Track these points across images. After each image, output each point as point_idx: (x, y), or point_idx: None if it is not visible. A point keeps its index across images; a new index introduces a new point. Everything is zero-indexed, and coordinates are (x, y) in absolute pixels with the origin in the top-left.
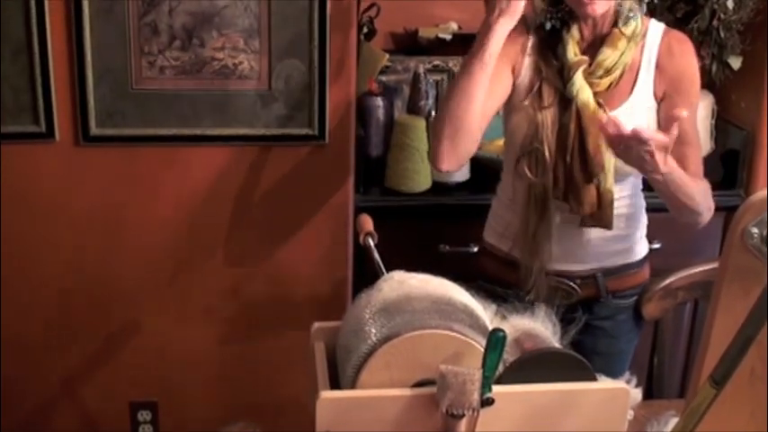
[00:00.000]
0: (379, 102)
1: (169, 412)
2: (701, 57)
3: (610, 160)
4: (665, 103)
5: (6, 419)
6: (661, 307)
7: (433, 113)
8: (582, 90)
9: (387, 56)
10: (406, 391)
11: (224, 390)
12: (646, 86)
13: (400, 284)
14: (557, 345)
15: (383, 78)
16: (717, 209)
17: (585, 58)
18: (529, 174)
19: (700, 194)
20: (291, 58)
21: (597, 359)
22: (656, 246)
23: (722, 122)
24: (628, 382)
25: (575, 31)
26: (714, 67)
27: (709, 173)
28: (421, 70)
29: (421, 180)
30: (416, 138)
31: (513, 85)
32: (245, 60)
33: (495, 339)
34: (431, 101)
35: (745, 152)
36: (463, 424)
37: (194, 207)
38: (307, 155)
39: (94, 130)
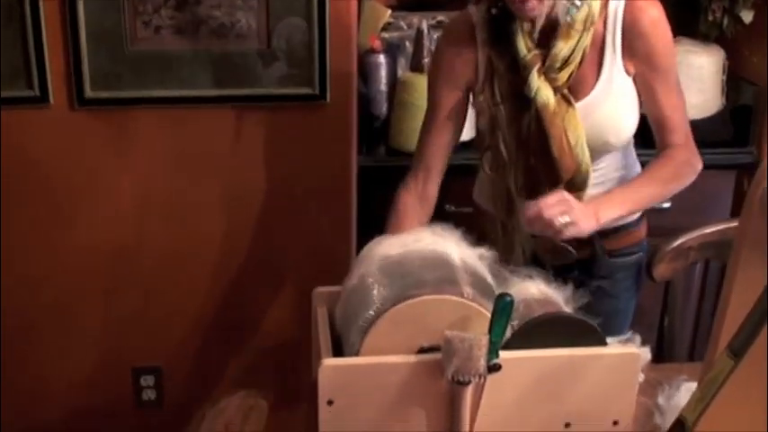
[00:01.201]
0: (382, 59)
1: (172, 378)
2: (712, 10)
3: (583, 155)
4: (640, 78)
5: (7, 385)
6: (672, 268)
7: None
8: (540, 91)
9: (389, 12)
10: (411, 358)
11: (228, 356)
12: (614, 66)
13: (404, 244)
14: (566, 309)
15: (386, 35)
16: (728, 167)
17: (538, 54)
18: (488, 171)
19: (673, 186)
20: (291, 15)
21: (596, 320)
22: (666, 205)
23: (733, 78)
24: (630, 340)
25: (524, 22)
26: (725, 21)
27: (719, 130)
28: (424, 26)
29: None
30: (420, 96)
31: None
32: (243, 18)
33: (503, 304)
34: None
35: (757, 108)
36: (469, 391)
37: (193, 169)
38: (308, 115)
39: (89, 92)
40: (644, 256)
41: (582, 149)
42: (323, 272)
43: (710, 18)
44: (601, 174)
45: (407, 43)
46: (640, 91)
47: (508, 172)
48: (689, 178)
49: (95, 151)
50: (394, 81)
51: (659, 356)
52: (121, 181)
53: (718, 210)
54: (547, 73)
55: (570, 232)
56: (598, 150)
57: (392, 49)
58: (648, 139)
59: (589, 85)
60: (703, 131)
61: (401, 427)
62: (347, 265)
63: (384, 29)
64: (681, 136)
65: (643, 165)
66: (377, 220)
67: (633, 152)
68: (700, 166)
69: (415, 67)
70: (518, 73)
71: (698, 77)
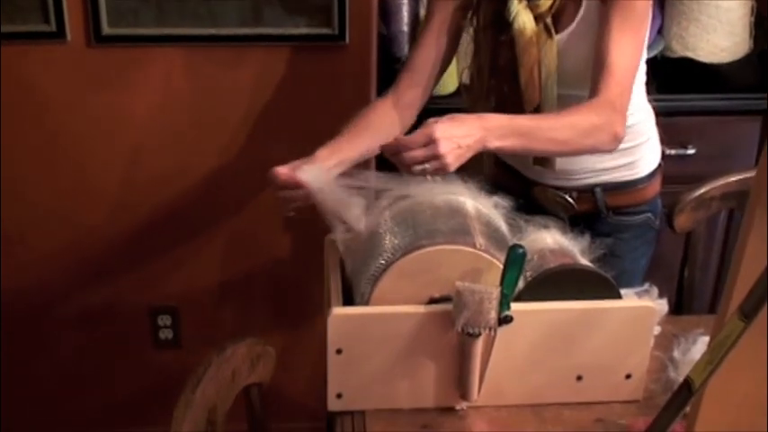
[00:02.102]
0: None
1: (189, 317)
2: None
3: (551, 92)
4: (603, 9)
5: (22, 326)
6: (693, 218)
7: None
8: (519, 15)
9: None
10: (421, 308)
11: (244, 297)
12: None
13: (417, 190)
14: (581, 260)
15: None
16: (754, 112)
17: None
18: (465, 95)
19: (586, 143)
20: None
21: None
22: (691, 151)
23: (762, 19)
24: (647, 292)
25: None
26: None
27: (746, 75)
28: None
29: (448, 81)
30: None
31: None
32: None
33: (515, 256)
34: None
35: None
36: (480, 342)
37: (207, 108)
38: (326, 56)
39: (106, 29)
40: (653, 216)
41: (551, 85)
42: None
43: None
44: None
45: None
46: (598, 21)
47: (478, 101)
48: (605, 145)
49: (112, 89)
50: (416, 21)
51: (678, 308)
52: (137, 119)
53: (743, 156)
54: None
55: (435, 174)
56: (574, 88)
57: None
58: (667, 82)
59: (569, 18)
60: (730, 76)
61: (410, 377)
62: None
63: None
64: (615, 89)
65: (663, 114)
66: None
67: (641, 97)
68: (621, 133)
69: None
70: None
71: (726, 20)
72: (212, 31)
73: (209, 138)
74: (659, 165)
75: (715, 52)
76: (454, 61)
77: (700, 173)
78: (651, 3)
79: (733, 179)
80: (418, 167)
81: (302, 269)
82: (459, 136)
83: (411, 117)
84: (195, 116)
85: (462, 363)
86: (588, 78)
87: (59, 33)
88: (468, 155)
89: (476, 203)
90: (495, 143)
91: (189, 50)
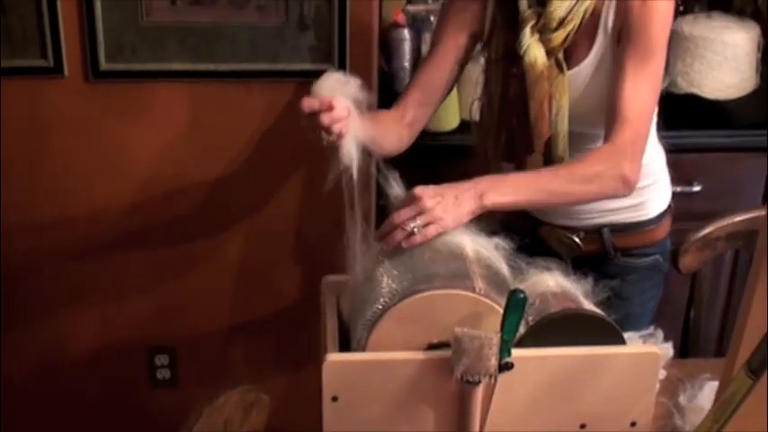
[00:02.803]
0: (406, 34)
1: (187, 357)
2: None
3: (561, 127)
4: (618, 51)
5: (21, 363)
6: (699, 258)
7: None
8: (530, 49)
9: None
10: (419, 355)
11: (242, 337)
12: (607, 39)
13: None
14: (585, 303)
15: (410, 8)
16: (761, 149)
17: (535, 11)
18: (474, 128)
19: (591, 190)
20: None
21: (606, 313)
22: (697, 188)
23: None
24: (652, 335)
25: None
26: None
27: (753, 111)
28: None
29: (449, 118)
30: None
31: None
32: None
33: (516, 301)
34: None
35: None
36: (480, 390)
37: (208, 145)
38: None
39: (104, 65)
40: (662, 259)
41: (562, 120)
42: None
43: None
44: None
45: (432, 18)
46: (612, 67)
47: (488, 135)
48: (613, 191)
49: (109, 125)
50: (418, 57)
51: (684, 350)
52: (135, 155)
53: (749, 194)
54: (542, 32)
55: (431, 233)
56: (589, 126)
57: (417, 24)
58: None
59: (582, 54)
60: (736, 112)
61: (408, 426)
62: None
63: (409, 1)
64: (629, 135)
65: (669, 151)
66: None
67: (653, 144)
68: (631, 178)
69: None
70: (515, 31)
71: (733, 56)
72: (212, 66)
73: (210, 174)
74: (669, 206)
75: (721, 89)
76: (456, 97)
77: (705, 210)
78: (666, 46)
79: (739, 219)
80: (410, 225)
81: (303, 310)
82: (445, 190)
83: (411, 137)
84: (196, 152)
85: (462, 411)
86: (600, 116)
87: (57, 69)
88: (465, 210)
89: (476, 246)
90: (492, 198)
91: (188, 86)
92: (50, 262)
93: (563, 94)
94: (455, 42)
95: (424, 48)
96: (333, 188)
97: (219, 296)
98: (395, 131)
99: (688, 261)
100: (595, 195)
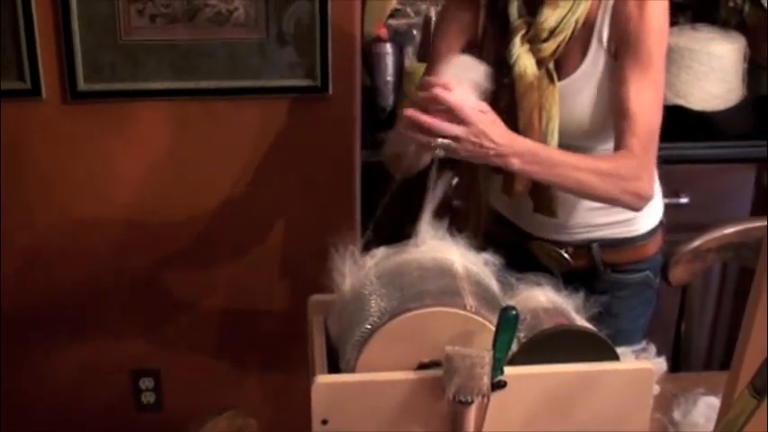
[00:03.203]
0: (388, 48)
1: (172, 380)
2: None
3: (551, 139)
4: (618, 63)
5: (4, 389)
6: (690, 271)
7: None
8: (520, 59)
9: None
10: (410, 375)
11: (228, 357)
12: (601, 49)
13: (402, 251)
14: (576, 318)
15: (392, 22)
16: (748, 160)
17: (526, 21)
18: None
19: (608, 187)
20: (291, 2)
21: (597, 329)
22: (684, 200)
23: (755, 67)
24: (644, 350)
25: None
26: (746, 8)
27: (740, 122)
28: (433, 14)
29: None
30: None
31: None
32: (241, 6)
33: (507, 318)
34: None
35: None
36: (472, 410)
37: (190, 164)
38: (309, 108)
39: (82, 85)
40: (653, 275)
41: (552, 131)
42: (325, 272)
43: (731, 4)
44: None
45: (415, 31)
46: (613, 75)
47: None
48: (630, 195)
49: (91, 147)
50: (401, 71)
51: (675, 362)
52: (118, 177)
53: (737, 205)
54: (532, 42)
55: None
56: (577, 139)
57: (399, 38)
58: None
59: (573, 65)
60: (723, 123)
61: None
62: None
63: (391, 15)
64: (642, 144)
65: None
66: (383, 218)
67: None
68: (649, 191)
69: (424, 56)
70: (506, 39)
71: (719, 67)
72: (192, 84)
73: (195, 193)
74: (660, 222)
75: (707, 99)
76: None
77: (693, 222)
78: (665, 54)
79: (730, 230)
80: (435, 134)
81: (290, 331)
82: (488, 139)
83: None
84: (178, 171)
85: (454, 431)
86: (592, 127)
87: (35, 90)
88: (478, 160)
89: (464, 261)
90: (517, 165)
91: (169, 105)
92: (31, 284)
93: (553, 105)
94: (451, 52)
95: (407, 62)
96: (318, 208)
97: (204, 318)
98: None
99: (678, 274)
100: (612, 197)
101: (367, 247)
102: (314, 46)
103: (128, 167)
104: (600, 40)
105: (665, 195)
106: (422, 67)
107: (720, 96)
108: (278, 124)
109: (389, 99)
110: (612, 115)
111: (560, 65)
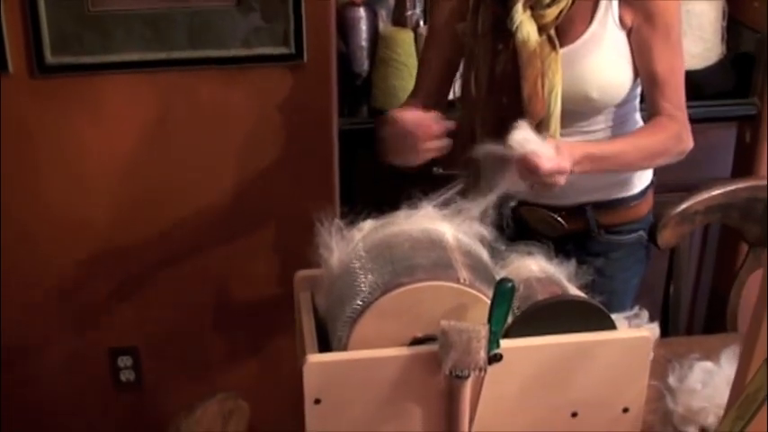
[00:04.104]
0: (362, 12)
1: (150, 357)
2: None
3: (554, 106)
4: (636, 35)
5: None
6: (677, 233)
7: (421, 25)
8: (522, 26)
9: None
10: (404, 351)
11: (207, 334)
12: (608, 15)
13: (390, 223)
14: (569, 287)
15: None
16: (729, 119)
17: None
18: (460, 106)
19: (658, 161)
20: None
21: (590, 296)
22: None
23: (734, 24)
24: (636, 316)
25: None
26: None
27: (720, 80)
28: None
29: None
30: (404, 52)
31: None
32: None
33: (503, 291)
34: (418, 10)
35: (760, 57)
36: (468, 384)
37: (163, 137)
38: (283, 76)
39: (50, 59)
40: (645, 234)
41: (555, 98)
42: (305, 242)
43: None
44: (593, 138)
45: None
46: (635, 47)
47: (475, 112)
48: (676, 157)
49: (60, 123)
50: (375, 36)
51: (663, 328)
52: (88, 152)
53: (719, 164)
54: (534, 8)
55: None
56: (581, 105)
57: (372, 2)
58: None
59: (578, 31)
60: (703, 82)
61: (395, 424)
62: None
63: None
64: (675, 104)
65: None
66: (360, 186)
67: (635, 118)
68: (690, 144)
69: (398, 20)
70: (504, 5)
71: (697, 25)
72: (163, 55)
73: (168, 167)
74: (651, 182)
75: (686, 59)
76: None
77: (674, 181)
78: (680, 12)
79: (716, 192)
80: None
81: (272, 303)
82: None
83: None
84: (151, 144)
85: (450, 406)
86: (595, 96)
87: (1, 65)
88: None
89: (455, 233)
90: (577, 171)
91: (140, 77)
92: (2, 262)
93: (555, 73)
94: (450, 27)
95: (382, 25)
96: (297, 178)
97: (182, 294)
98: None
99: (667, 236)
100: (657, 165)
101: (345, 217)
102: (287, 12)
103: (100, 143)
104: (609, 7)
105: None
106: (397, 31)
107: (699, 55)
108: (253, 93)
109: (364, 65)
110: (643, 84)
111: (563, 31)
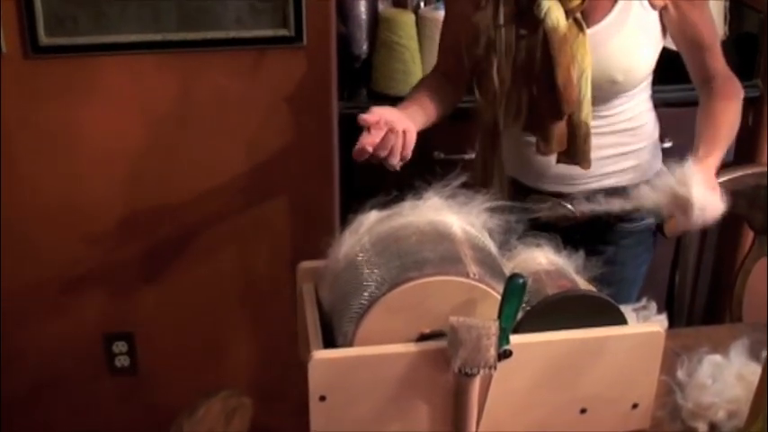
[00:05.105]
0: None
1: (145, 343)
2: None
3: (586, 90)
4: (676, 11)
5: None
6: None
7: (423, 6)
8: (551, 12)
9: None
10: (412, 347)
11: (202, 319)
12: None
13: (396, 214)
14: (578, 280)
15: None
16: None
17: None
18: (479, 98)
19: (738, 114)
20: None
21: (598, 288)
22: (667, 145)
23: (737, 4)
24: (645, 308)
25: None
26: None
27: None
28: None
29: (411, 81)
30: (404, 34)
31: None
32: None
33: (514, 287)
34: None
35: (763, 38)
36: (477, 381)
37: (160, 120)
38: (282, 58)
39: (44, 39)
40: (654, 222)
41: (585, 82)
42: (306, 228)
43: None
44: (610, 122)
45: None
46: (676, 22)
47: (498, 103)
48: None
49: (55, 104)
50: (375, 18)
51: (669, 315)
52: (82, 135)
53: None
54: None
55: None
56: (604, 89)
57: None
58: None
59: (602, 12)
60: None
61: (402, 422)
62: (331, 220)
63: None
64: (723, 63)
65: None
66: (360, 171)
67: (648, 99)
68: (743, 91)
69: (398, 1)
70: None
71: None
72: (158, 37)
73: (164, 150)
74: (661, 168)
75: None
76: None
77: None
78: None
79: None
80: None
81: (268, 284)
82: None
83: (461, 89)
84: (147, 127)
85: (458, 403)
86: (621, 77)
87: None
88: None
89: (463, 225)
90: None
91: (135, 59)
92: None
93: (585, 56)
94: (464, 15)
95: (381, 6)
96: (296, 163)
97: (178, 279)
98: (441, 99)
99: (673, 225)
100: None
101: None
102: None
103: (95, 125)
104: None
105: None
106: (397, 12)
107: None
108: (251, 76)
109: (364, 47)
110: (689, 55)
111: (587, 13)
